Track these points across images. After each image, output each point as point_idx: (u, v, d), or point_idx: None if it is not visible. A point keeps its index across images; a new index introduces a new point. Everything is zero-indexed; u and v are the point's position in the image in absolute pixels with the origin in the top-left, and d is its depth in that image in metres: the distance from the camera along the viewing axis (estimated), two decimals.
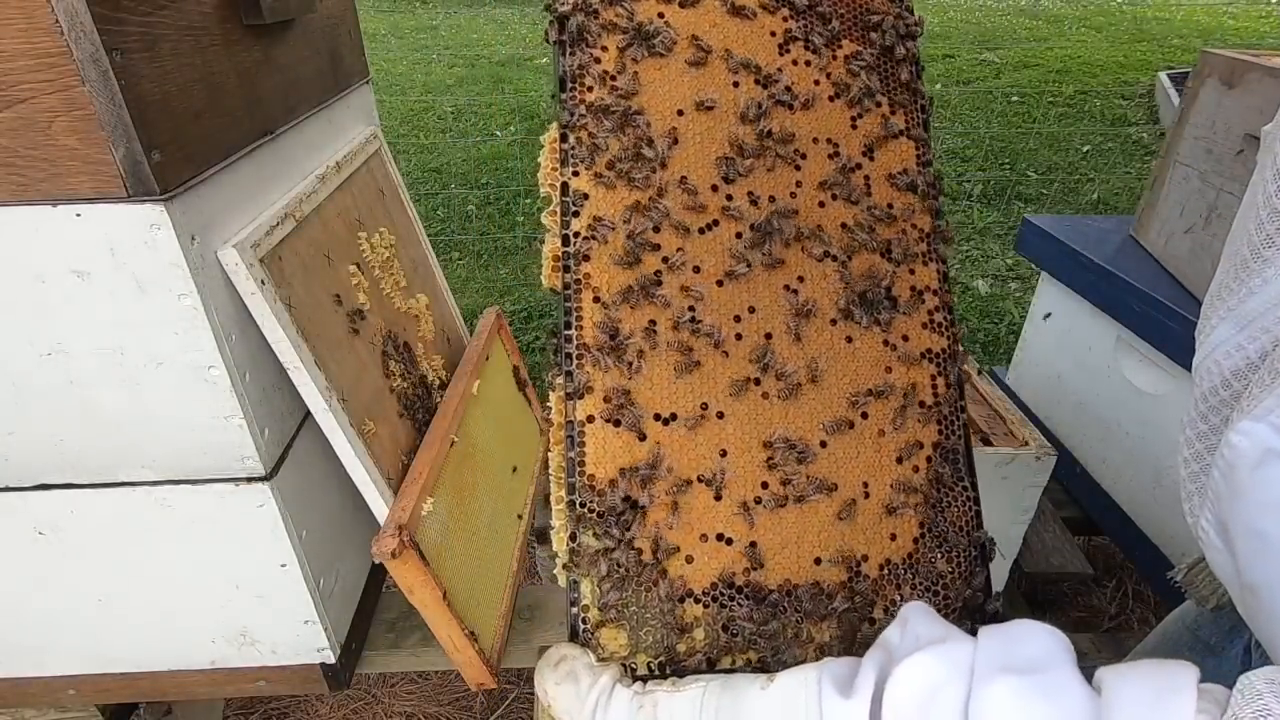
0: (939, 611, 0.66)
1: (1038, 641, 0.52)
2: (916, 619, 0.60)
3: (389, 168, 1.50)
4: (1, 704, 1.24)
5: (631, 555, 0.71)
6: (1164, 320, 1.59)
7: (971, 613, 0.77)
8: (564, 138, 0.78)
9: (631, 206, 0.77)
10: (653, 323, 0.75)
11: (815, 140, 0.82)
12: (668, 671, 0.70)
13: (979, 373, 1.65)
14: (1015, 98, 6.02)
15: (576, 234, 0.76)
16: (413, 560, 1.04)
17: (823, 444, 0.76)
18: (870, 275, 0.79)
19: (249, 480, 1.00)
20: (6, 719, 1.28)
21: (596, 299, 0.75)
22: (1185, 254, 1.70)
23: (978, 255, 4.02)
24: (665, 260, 0.76)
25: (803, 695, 0.57)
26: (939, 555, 0.76)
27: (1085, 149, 5.15)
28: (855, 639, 0.73)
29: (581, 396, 0.73)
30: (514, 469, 1.50)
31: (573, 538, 0.72)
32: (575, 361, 0.74)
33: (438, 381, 1.41)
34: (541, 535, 1.92)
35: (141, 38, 0.78)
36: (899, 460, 0.77)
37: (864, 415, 0.77)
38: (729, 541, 0.73)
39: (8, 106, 0.75)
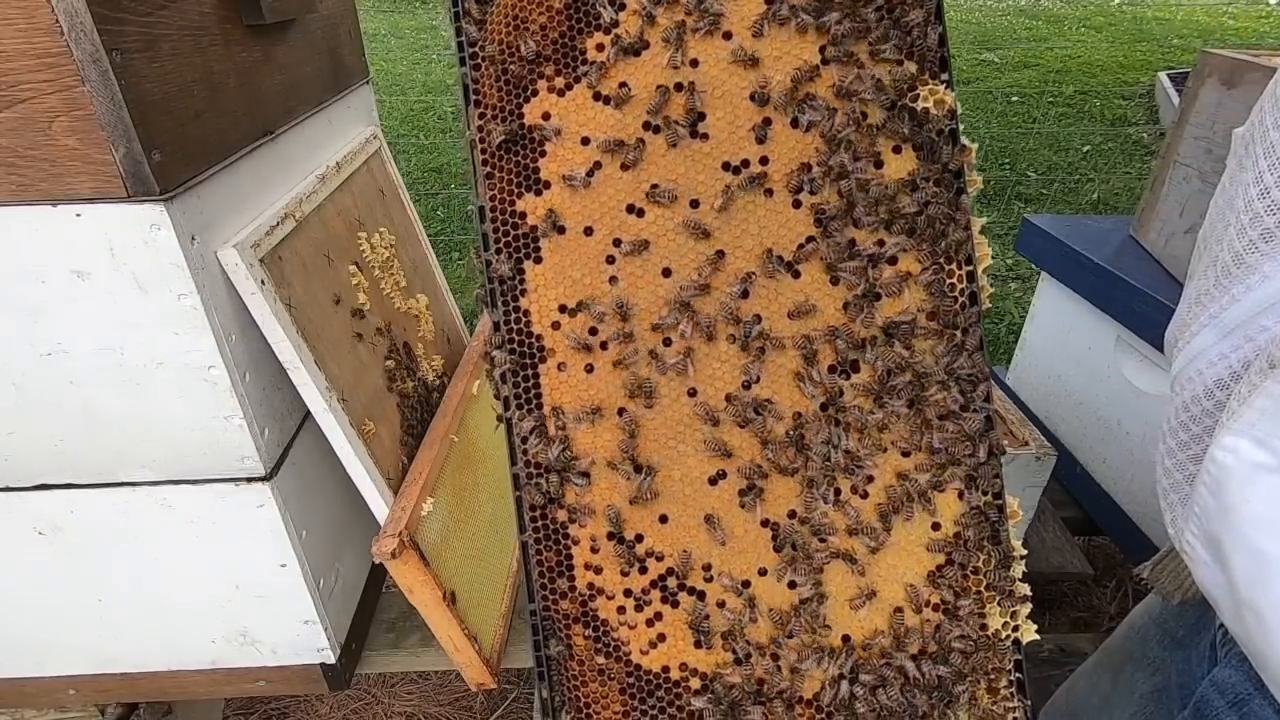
0: None
1: None
2: None
3: (389, 168, 1.50)
4: (1, 704, 1.24)
5: None
6: (1164, 320, 1.56)
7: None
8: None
9: None
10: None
11: None
12: None
13: None
14: (1015, 98, 6.02)
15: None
16: (413, 560, 1.04)
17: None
18: None
19: (249, 480, 1.00)
20: (6, 719, 1.28)
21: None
22: (1185, 254, 1.68)
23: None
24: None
25: None
26: None
27: (1085, 149, 5.15)
28: None
29: None
30: None
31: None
32: None
33: (438, 381, 1.41)
34: None
35: (141, 38, 0.78)
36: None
37: None
38: None
39: (8, 106, 0.75)
